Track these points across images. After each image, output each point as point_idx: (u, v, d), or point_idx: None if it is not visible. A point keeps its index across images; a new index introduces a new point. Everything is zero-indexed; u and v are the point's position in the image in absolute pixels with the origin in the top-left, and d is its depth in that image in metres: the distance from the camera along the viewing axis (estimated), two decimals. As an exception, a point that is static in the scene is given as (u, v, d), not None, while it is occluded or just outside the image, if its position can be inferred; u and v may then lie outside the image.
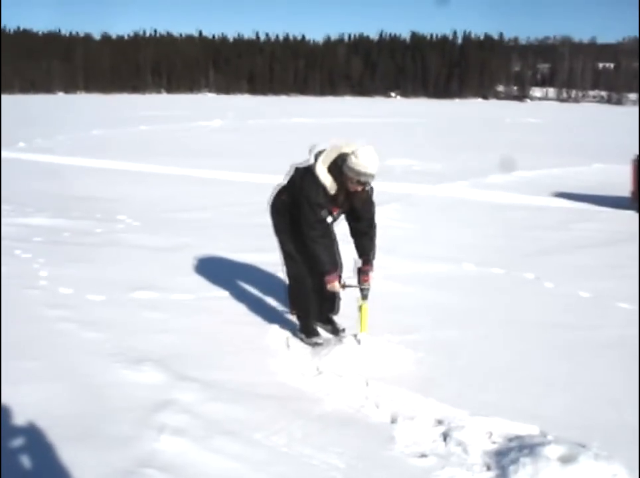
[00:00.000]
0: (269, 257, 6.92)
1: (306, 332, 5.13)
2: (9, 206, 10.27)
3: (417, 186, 13.08)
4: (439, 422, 3.90)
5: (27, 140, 20.96)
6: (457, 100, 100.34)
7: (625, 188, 11.96)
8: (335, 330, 5.25)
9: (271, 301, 5.94)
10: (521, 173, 15.53)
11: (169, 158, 17.18)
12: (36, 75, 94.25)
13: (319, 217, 4.74)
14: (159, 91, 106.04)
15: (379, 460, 3.48)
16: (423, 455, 3.57)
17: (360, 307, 4.88)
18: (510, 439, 3.76)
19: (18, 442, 3.52)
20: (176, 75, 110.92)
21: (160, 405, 3.87)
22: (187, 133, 26.29)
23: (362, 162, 4.51)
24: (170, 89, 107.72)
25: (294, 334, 5.19)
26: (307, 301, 5.11)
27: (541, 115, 52.19)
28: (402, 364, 4.64)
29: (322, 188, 4.65)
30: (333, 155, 4.68)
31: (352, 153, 4.55)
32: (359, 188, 4.67)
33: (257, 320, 5.46)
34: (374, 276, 5.03)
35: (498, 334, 5.29)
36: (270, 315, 5.55)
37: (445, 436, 3.77)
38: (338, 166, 4.61)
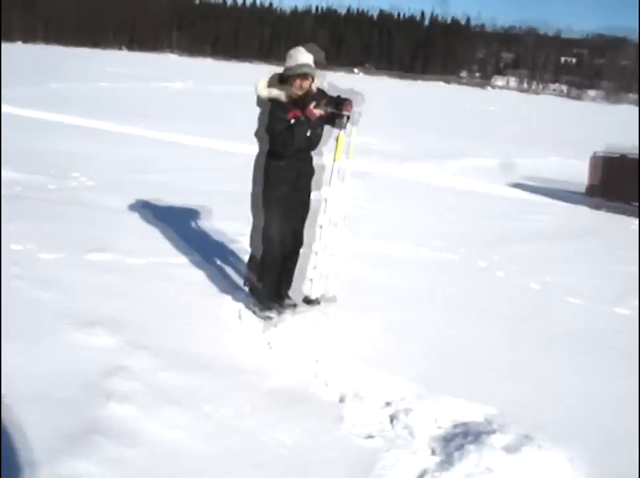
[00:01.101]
0: (229, 226, 6.91)
1: (260, 304, 5.10)
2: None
3: (378, 166, 13.10)
4: (388, 404, 3.94)
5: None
6: (419, 82, 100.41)
7: (579, 183, 12.19)
8: (288, 305, 5.24)
9: (228, 272, 5.91)
10: (480, 161, 15.71)
11: (128, 117, 16.89)
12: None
13: (281, 127, 4.75)
14: (119, 48, 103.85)
15: (326, 439, 3.51)
16: (370, 436, 3.61)
17: (337, 137, 4.87)
18: (456, 425, 3.82)
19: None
20: (140, 33, 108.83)
21: (110, 371, 3.83)
22: (148, 93, 25.86)
23: (292, 56, 4.76)
24: (132, 47, 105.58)
25: (247, 306, 5.16)
26: (270, 273, 5.08)
27: (502, 103, 52.61)
28: (355, 344, 4.66)
29: (277, 103, 4.77)
30: (267, 76, 4.89)
31: (285, 58, 4.83)
32: (304, 84, 4.76)
33: (212, 290, 5.43)
34: None
35: (449, 320, 5.36)
36: (225, 286, 5.52)
37: (392, 418, 3.81)
38: (277, 80, 4.83)
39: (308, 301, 5.11)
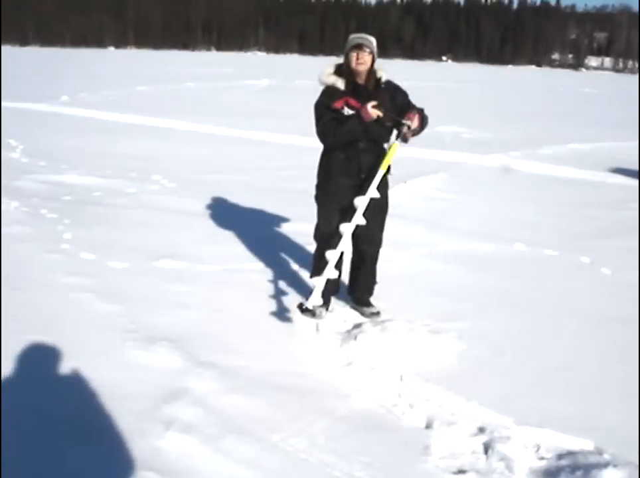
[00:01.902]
0: (305, 228, 6.51)
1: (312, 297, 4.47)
2: (44, 161, 10.01)
3: (467, 155, 12.47)
4: (481, 430, 3.46)
5: (71, 94, 20.73)
6: (510, 67, 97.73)
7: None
8: (369, 313, 4.81)
9: (303, 277, 5.50)
10: (576, 146, 14.78)
11: (213, 117, 16.77)
12: (87, 29, 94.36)
13: (325, 119, 4.45)
14: (208, 49, 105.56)
15: (410, 474, 3.06)
16: (461, 471, 3.14)
17: (390, 145, 4.44)
18: (561, 456, 3.31)
19: (13, 428, 3.17)
20: (227, 33, 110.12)
21: (172, 394, 3.49)
22: (233, 92, 25.81)
23: (348, 40, 4.47)
24: (220, 47, 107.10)
25: (319, 314, 4.73)
26: (317, 272, 4.62)
27: (597, 85, 50.52)
28: (442, 357, 4.20)
29: (327, 89, 4.47)
30: (333, 64, 4.58)
31: None
32: (361, 57, 4.35)
33: (287, 298, 5.03)
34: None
35: (550, 327, 4.79)
36: (300, 293, 5.12)
37: (486, 448, 3.33)
38: (341, 64, 4.50)
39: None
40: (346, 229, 4.40)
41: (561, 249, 6.71)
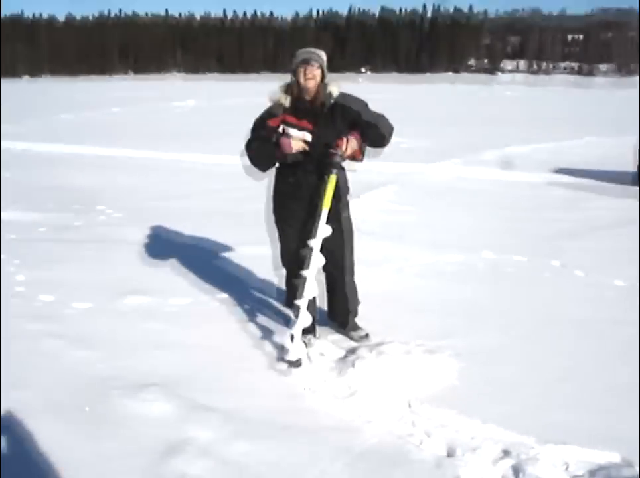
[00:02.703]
0: (269, 251, 6.27)
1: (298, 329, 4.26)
2: (-23, 199, 9.48)
3: (410, 166, 12.44)
4: (506, 453, 3.29)
5: (-7, 126, 19.95)
6: (428, 74, 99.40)
7: (625, 163, 11.48)
8: (358, 337, 4.60)
9: (277, 304, 5.25)
10: (514, 149, 14.97)
11: (145, 141, 16.34)
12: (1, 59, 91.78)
13: (251, 138, 4.34)
14: (126, 73, 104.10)
15: (448, 510, 2.87)
16: (498, 500, 2.96)
17: (328, 178, 4.17)
18: (592, 472, 3.17)
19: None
20: (144, 56, 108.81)
21: (174, 447, 3.21)
22: (161, 115, 25.38)
23: (297, 54, 4.30)
24: (137, 71, 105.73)
25: (309, 342, 4.51)
26: (291, 298, 4.46)
27: (515, 87, 51.77)
28: (444, 378, 4.02)
29: (270, 107, 4.32)
30: (285, 84, 4.39)
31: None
32: (309, 72, 4.17)
33: (267, 326, 4.79)
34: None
35: (545, 336, 4.68)
36: (280, 321, 4.88)
37: (516, 472, 3.16)
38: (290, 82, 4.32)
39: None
40: (314, 246, 4.20)
41: (529, 254, 6.66)
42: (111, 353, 4.31)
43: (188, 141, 16.54)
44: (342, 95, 4.34)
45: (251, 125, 4.38)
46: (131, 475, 3.00)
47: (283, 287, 4.79)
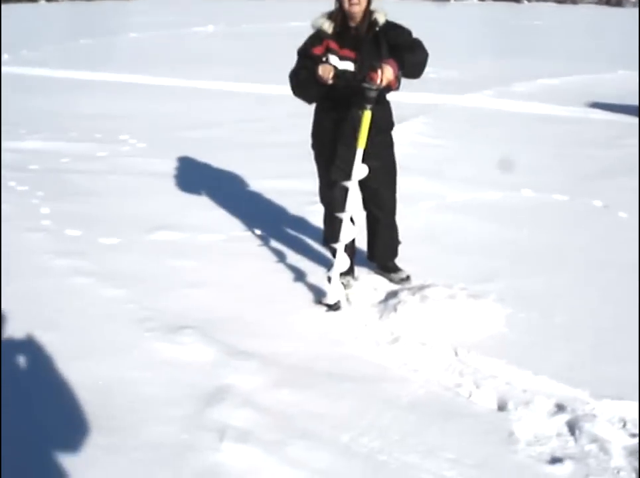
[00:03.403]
0: (299, 185, 6.07)
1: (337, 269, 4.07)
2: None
3: (441, 97, 12.03)
4: (560, 408, 3.12)
5: (11, 52, 19.55)
6: (452, 2, 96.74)
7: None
8: (398, 279, 4.42)
9: (314, 242, 5.06)
10: (546, 81, 14.44)
11: (166, 68, 15.92)
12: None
13: (295, 67, 4.03)
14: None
15: (504, 468, 2.72)
16: (556, 459, 2.79)
17: (362, 114, 3.81)
18: (653, 429, 3.00)
19: (18, 440, 2.73)
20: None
21: (214, 395, 3.06)
22: (181, 40, 24.77)
23: None
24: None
25: (347, 284, 4.33)
26: (331, 238, 4.22)
27: (544, 16, 50.14)
28: (491, 324, 3.85)
29: (314, 32, 4.00)
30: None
31: None
32: None
33: (304, 266, 4.61)
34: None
35: (593, 281, 4.47)
36: (318, 259, 4.70)
37: (571, 428, 2.99)
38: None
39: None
40: (350, 187, 3.95)
41: (570, 193, 6.40)
42: (143, 292, 4.16)
43: (209, 67, 16.07)
44: (388, 23, 4.03)
45: (298, 52, 4.07)
46: (171, 425, 2.87)
47: (321, 224, 4.57)
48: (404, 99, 10.98)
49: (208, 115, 10.43)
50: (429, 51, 3.94)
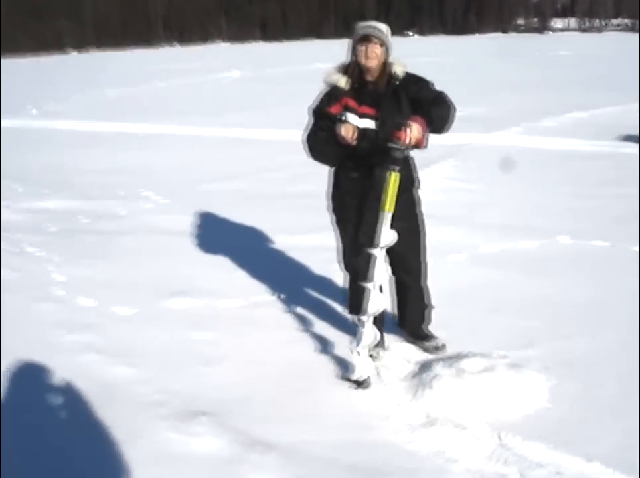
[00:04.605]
0: (329, 240, 5.77)
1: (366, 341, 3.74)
2: (20, 185, 9.15)
3: (469, 136, 11.71)
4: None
5: (38, 105, 19.72)
6: (476, 35, 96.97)
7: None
8: (433, 348, 4.10)
9: (339, 306, 4.73)
10: (575, 114, 14.12)
11: (192, 116, 15.89)
12: (46, 34, 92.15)
13: (312, 128, 3.78)
14: (171, 44, 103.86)
15: None
16: None
17: (389, 177, 3.52)
18: None
19: None
20: (188, 26, 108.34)
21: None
22: (206, 87, 24.90)
23: (355, 28, 3.73)
24: (182, 42, 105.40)
25: (377, 356, 4.01)
26: (355, 306, 3.90)
27: (569, 46, 49.92)
28: (534, 400, 3.50)
29: (329, 89, 3.74)
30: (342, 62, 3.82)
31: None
32: (370, 50, 3.61)
33: (329, 336, 4.30)
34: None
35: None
36: (345, 328, 4.38)
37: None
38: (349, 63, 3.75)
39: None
40: (376, 254, 3.65)
41: (609, 238, 6.05)
42: (155, 371, 3.88)
43: (234, 115, 16.02)
44: (408, 76, 3.78)
45: (310, 114, 3.83)
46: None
47: (346, 285, 4.26)
48: (432, 140, 10.68)
49: (233, 165, 10.28)
50: (448, 90, 3.70)
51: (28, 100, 20.49)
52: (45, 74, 36.74)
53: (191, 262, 5.78)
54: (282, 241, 6.20)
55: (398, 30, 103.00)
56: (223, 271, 5.55)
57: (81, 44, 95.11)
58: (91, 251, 6.21)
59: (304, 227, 6.45)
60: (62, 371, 3.90)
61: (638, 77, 17.55)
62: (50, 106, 19.66)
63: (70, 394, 3.67)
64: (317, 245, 5.80)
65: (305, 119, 3.88)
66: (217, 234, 6.60)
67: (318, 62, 32.45)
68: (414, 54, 40.20)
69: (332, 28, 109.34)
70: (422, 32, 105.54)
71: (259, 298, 4.98)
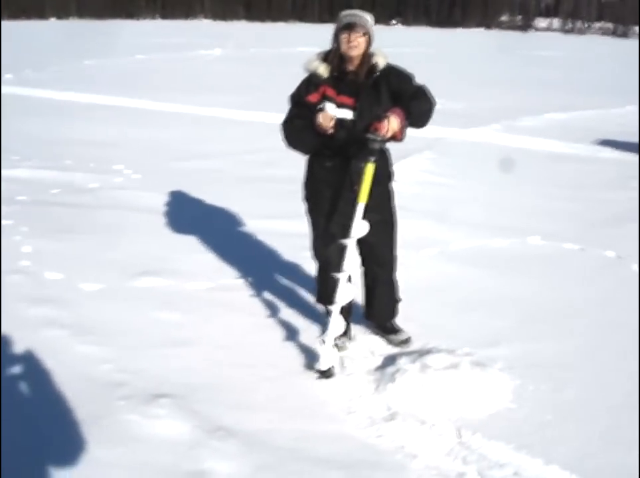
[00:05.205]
0: (293, 226, 5.75)
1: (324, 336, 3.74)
2: (-10, 152, 8.98)
3: (447, 130, 11.72)
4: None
5: (15, 71, 19.38)
6: (459, 29, 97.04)
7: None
8: (398, 342, 4.10)
9: (308, 294, 4.72)
10: (553, 115, 14.20)
11: (170, 92, 15.73)
12: (27, 1, 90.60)
13: (289, 116, 3.74)
14: (153, 17, 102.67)
15: None
16: None
17: (364, 168, 3.55)
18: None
19: None
20: (171, 1, 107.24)
21: (188, 483, 2.74)
22: (187, 63, 24.64)
23: (339, 16, 3.71)
24: (165, 15, 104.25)
25: (342, 346, 4.01)
26: (324, 296, 3.94)
27: (551, 47, 50.18)
28: (497, 398, 3.52)
29: (308, 77, 3.70)
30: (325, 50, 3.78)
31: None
32: (353, 39, 3.57)
33: (296, 323, 4.29)
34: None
35: (609, 346, 4.13)
36: (312, 316, 4.38)
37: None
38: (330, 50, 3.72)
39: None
40: (348, 245, 3.65)
41: (581, 241, 6.09)
42: (120, 350, 3.84)
43: (213, 94, 15.88)
44: (389, 67, 3.75)
45: (288, 101, 3.79)
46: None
47: (315, 274, 4.24)
48: (409, 132, 10.68)
49: (209, 145, 10.19)
50: (429, 83, 3.71)
51: (4, 66, 20.10)
52: (23, 40, 36.11)
53: (161, 241, 5.73)
54: (255, 225, 6.17)
55: (382, 19, 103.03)
56: (193, 252, 5.50)
57: (62, 12, 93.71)
58: (60, 224, 6.12)
59: (278, 212, 6.42)
60: (24, 346, 3.85)
61: (638, 82, 17.65)
62: (27, 73, 19.34)
63: (31, 369, 3.63)
64: (290, 231, 5.77)
65: (282, 103, 3.84)
66: (189, 214, 6.54)
67: (301, 45, 32.34)
68: (397, 43, 40.17)
69: (317, 12, 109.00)
70: (406, 22, 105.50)
71: (229, 281, 4.94)
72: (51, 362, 3.68)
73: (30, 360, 3.70)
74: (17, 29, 49.10)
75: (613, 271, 5.49)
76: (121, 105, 14.01)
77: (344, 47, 3.60)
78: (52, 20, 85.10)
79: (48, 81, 17.60)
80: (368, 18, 3.68)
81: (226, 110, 13.51)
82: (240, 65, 24.50)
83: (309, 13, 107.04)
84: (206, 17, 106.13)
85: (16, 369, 3.61)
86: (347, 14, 3.68)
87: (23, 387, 3.45)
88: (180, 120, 12.45)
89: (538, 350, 4.06)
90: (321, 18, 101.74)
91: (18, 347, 3.83)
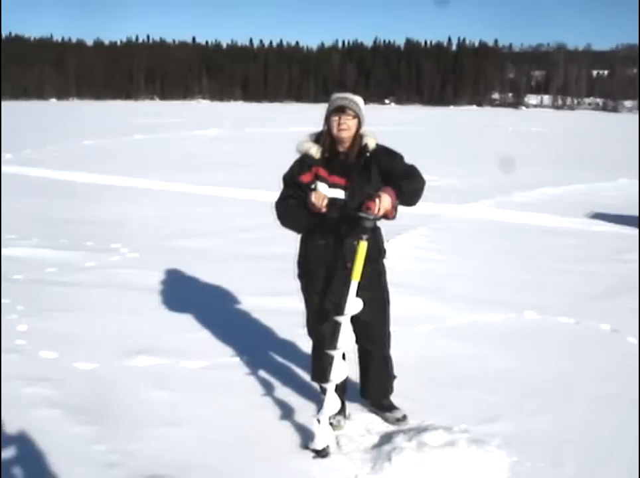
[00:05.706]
0: (288, 303, 5.76)
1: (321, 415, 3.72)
2: (-10, 232, 9.06)
3: (440, 206, 11.89)
4: None
5: (15, 151, 19.70)
6: (451, 107, 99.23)
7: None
8: (394, 419, 4.06)
9: (303, 371, 4.70)
10: (546, 190, 14.44)
11: (167, 172, 16.00)
12: (27, 81, 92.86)
13: (282, 195, 3.83)
14: (152, 98, 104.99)
15: None
16: None
17: (357, 245, 3.59)
18: None
19: None
20: (169, 82, 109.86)
21: None
22: (184, 143, 25.09)
23: (331, 99, 3.84)
24: (163, 96, 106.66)
25: (337, 425, 3.96)
26: (319, 374, 3.96)
27: (542, 123, 51.22)
28: (493, 475, 3.47)
29: (300, 157, 3.79)
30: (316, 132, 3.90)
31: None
32: (343, 122, 3.68)
33: (291, 401, 4.26)
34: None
35: (606, 419, 4.11)
36: (307, 394, 4.35)
37: None
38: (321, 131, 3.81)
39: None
40: (342, 322, 3.66)
41: (576, 315, 6.10)
42: (114, 430, 3.80)
43: (210, 172, 16.15)
44: (379, 148, 3.84)
45: (281, 182, 3.87)
46: None
47: (310, 351, 4.24)
48: (403, 209, 10.83)
49: (203, 223, 10.32)
50: (421, 160, 3.80)
51: (4, 145, 20.42)
52: (23, 120, 36.77)
53: (156, 319, 5.73)
54: (249, 303, 6.18)
55: (376, 98, 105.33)
56: (188, 330, 5.50)
57: (62, 93, 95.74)
58: (55, 303, 6.13)
59: (272, 289, 6.45)
60: (17, 426, 3.82)
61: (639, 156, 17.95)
62: (26, 153, 19.65)
63: (24, 450, 3.59)
64: (284, 308, 5.79)
65: (278, 182, 3.92)
66: (184, 292, 6.57)
67: (295, 125, 32.90)
68: (391, 122, 40.89)
69: (312, 92, 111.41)
70: (400, 101, 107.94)
71: (223, 359, 4.92)
72: (44, 442, 3.64)
73: (23, 441, 3.66)
74: (17, 109, 50.03)
75: (608, 344, 5.49)
76: (119, 184, 14.21)
77: (335, 129, 3.71)
78: (52, 100, 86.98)
79: (48, 160, 17.89)
80: (359, 101, 3.79)
81: (222, 188, 13.72)
82: (235, 144, 24.94)
83: (304, 93, 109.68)
84: (203, 98, 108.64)
85: (9, 450, 3.56)
86: (338, 97, 3.80)
87: (16, 469, 3.40)
88: (175, 198, 12.62)
89: (535, 426, 4.02)
90: (316, 99, 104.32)
91: (12, 427, 3.79)
